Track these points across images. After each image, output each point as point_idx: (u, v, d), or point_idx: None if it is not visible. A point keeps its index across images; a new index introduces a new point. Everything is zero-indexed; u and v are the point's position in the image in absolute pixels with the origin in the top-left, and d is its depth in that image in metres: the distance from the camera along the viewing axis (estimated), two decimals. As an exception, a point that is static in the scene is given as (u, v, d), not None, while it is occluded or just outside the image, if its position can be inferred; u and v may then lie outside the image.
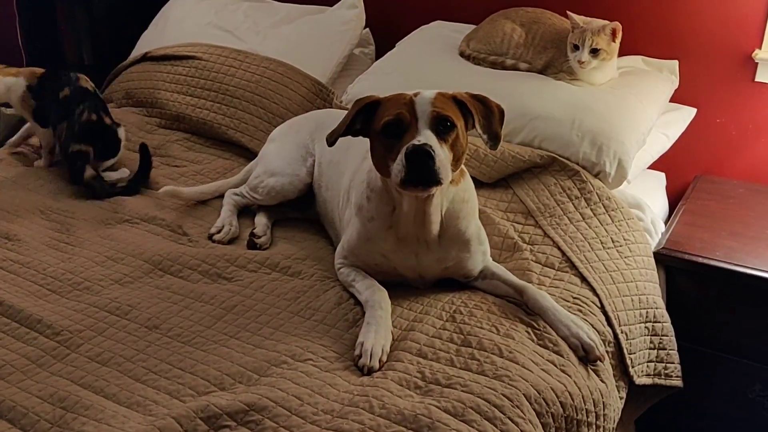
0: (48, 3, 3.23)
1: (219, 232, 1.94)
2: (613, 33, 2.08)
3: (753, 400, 1.99)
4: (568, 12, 2.13)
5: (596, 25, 2.08)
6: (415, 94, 1.49)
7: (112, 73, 2.84)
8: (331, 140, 1.57)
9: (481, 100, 1.55)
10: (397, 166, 1.43)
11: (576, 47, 2.09)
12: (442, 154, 1.44)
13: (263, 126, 2.37)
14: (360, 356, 1.46)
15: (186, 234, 1.97)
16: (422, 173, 1.41)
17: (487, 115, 1.53)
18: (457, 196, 1.62)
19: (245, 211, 2.06)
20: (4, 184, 2.23)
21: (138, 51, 2.86)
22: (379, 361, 1.46)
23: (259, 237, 1.91)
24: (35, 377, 1.44)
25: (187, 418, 1.31)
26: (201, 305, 1.66)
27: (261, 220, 1.98)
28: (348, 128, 1.55)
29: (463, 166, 1.62)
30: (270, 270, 1.79)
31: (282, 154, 2.06)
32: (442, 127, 1.46)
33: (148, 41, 2.88)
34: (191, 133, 2.51)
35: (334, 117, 2.04)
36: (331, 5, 2.74)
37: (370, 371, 1.44)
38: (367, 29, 2.77)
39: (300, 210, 2.06)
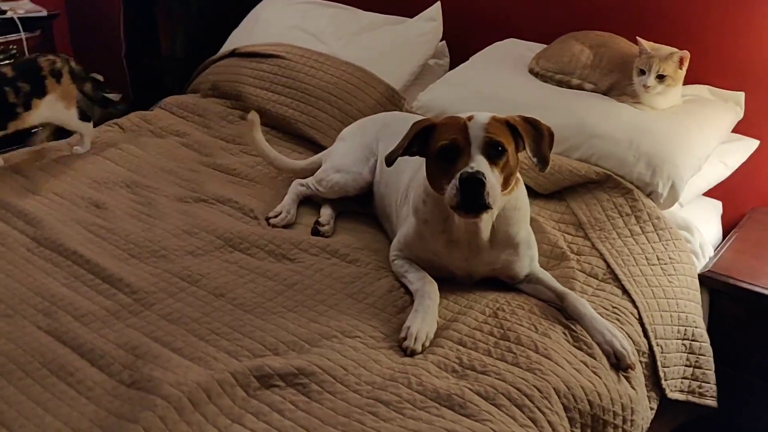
0: (150, -1, 3.49)
1: (276, 216, 2.08)
2: (681, 61, 2.13)
3: (788, 429, 2.01)
4: (638, 38, 2.19)
5: (664, 51, 2.14)
6: (470, 118, 1.59)
7: (201, 66, 3.03)
8: (390, 160, 1.69)
9: (533, 124, 1.64)
10: (451, 190, 1.55)
11: (642, 72, 2.15)
12: (493, 179, 1.54)
13: (336, 125, 2.51)
14: (405, 338, 1.57)
15: (256, 217, 2.12)
16: (474, 198, 1.52)
17: (537, 138, 1.62)
18: (509, 204, 1.71)
19: (310, 202, 2.19)
20: (96, 159, 2.44)
21: (227, 47, 3.05)
22: (423, 345, 1.56)
23: (323, 225, 2.05)
24: (113, 327, 1.62)
25: (243, 374, 1.45)
26: (264, 280, 1.80)
27: (326, 211, 2.12)
28: (405, 150, 1.66)
29: (518, 174, 1.73)
30: (330, 255, 1.92)
31: (348, 153, 2.20)
32: (493, 151, 1.56)
33: (237, 38, 3.06)
34: (270, 126, 2.66)
35: (399, 119, 2.18)
36: (412, 17, 2.87)
37: (413, 353, 1.55)
38: (444, 42, 2.89)
39: (362, 205, 2.19)
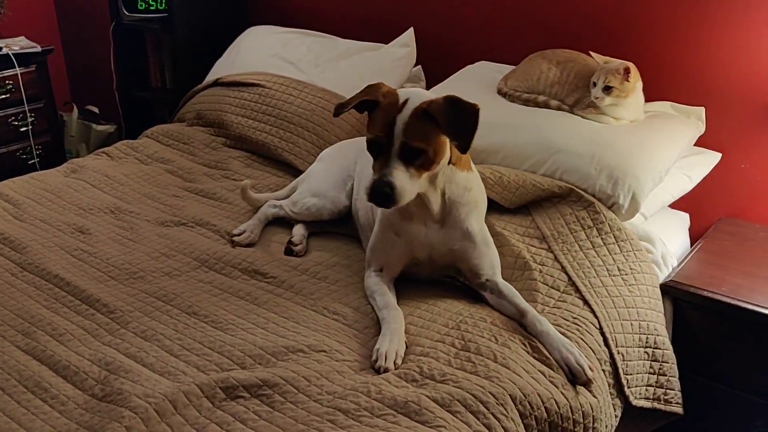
0: (139, 33, 3.61)
1: (240, 234, 2.16)
2: (626, 72, 2.21)
3: (754, 434, 2.05)
4: (591, 52, 2.28)
5: (612, 65, 2.23)
6: (401, 107, 1.68)
7: (186, 96, 3.12)
8: (336, 113, 1.82)
9: (455, 105, 1.68)
10: (366, 187, 1.70)
11: (594, 84, 2.24)
12: (405, 181, 1.67)
13: (313, 150, 2.60)
14: (376, 360, 1.61)
15: (233, 239, 2.20)
16: (382, 201, 1.68)
17: (457, 121, 1.66)
18: (460, 182, 1.83)
19: (283, 221, 2.27)
20: (83, 186, 2.53)
21: (211, 76, 3.15)
22: (394, 363, 1.60)
23: (296, 245, 2.11)
24: (89, 345, 1.69)
25: (209, 386, 1.51)
26: (237, 299, 1.86)
27: (299, 231, 2.18)
28: (354, 107, 1.78)
29: (473, 166, 1.89)
30: (301, 273, 1.98)
31: (326, 176, 2.27)
32: (410, 154, 1.67)
33: (221, 68, 3.16)
34: (251, 152, 2.77)
35: None
36: (387, 43, 2.97)
37: (385, 372, 1.59)
38: (419, 67, 2.98)
39: (335, 225, 2.24)
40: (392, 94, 1.74)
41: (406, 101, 1.69)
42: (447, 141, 1.73)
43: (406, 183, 1.67)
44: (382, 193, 1.66)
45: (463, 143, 1.66)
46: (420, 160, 1.68)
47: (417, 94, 1.72)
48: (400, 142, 1.66)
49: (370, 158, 2.13)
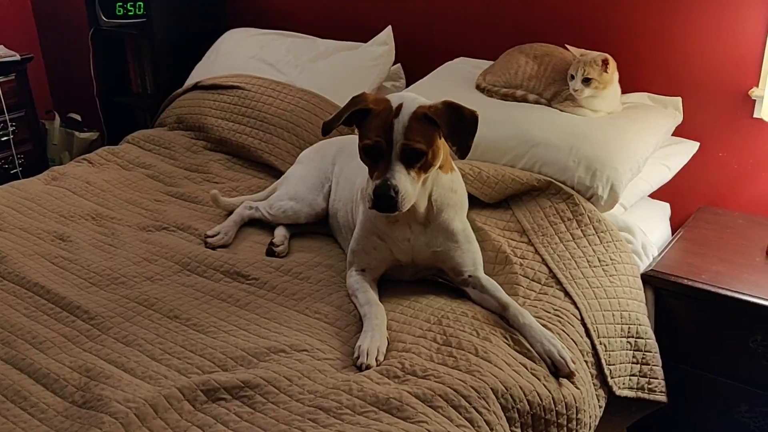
0: (118, 39, 3.59)
1: (214, 236, 2.16)
2: (605, 63, 2.22)
3: (739, 420, 2.06)
4: (567, 45, 2.29)
5: (590, 57, 2.24)
6: (397, 112, 1.67)
7: (167, 100, 3.11)
8: (325, 129, 1.80)
9: (455, 110, 1.69)
10: (369, 194, 1.67)
11: (573, 77, 2.25)
12: (408, 185, 1.66)
13: (294, 150, 2.60)
14: (358, 357, 1.61)
15: (214, 243, 2.20)
16: (386, 206, 1.66)
17: (457, 125, 1.67)
18: (446, 184, 1.82)
19: (263, 223, 2.27)
20: (63, 194, 2.52)
21: (191, 80, 3.14)
22: (376, 360, 1.61)
23: (278, 246, 2.11)
24: (69, 352, 1.68)
25: (190, 389, 1.51)
26: (219, 302, 1.86)
27: (280, 232, 2.18)
28: (342, 122, 1.76)
29: (454, 164, 1.86)
30: (283, 274, 1.98)
31: (304, 179, 2.27)
32: (411, 156, 1.66)
33: (200, 71, 3.16)
34: (231, 155, 2.77)
35: (355, 142, 2.25)
36: (366, 42, 2.97)
37: (367, 368, 1.59)
38: (399, 65, 2.99)
39: (315, 225, 2.24)
40: (383, 101, 1.73)
41: (400, 105, 1.69)
42: (442, 144, 1.73)
43: (409, 185, 1.67)
44: (386, 197, 1.64)
45: (463, 148, 1.67)
46: (420, 161, 1.68)
47: (410, 98, 1.72)
48: (401, 144, 1.65)
49: (347, 159, 2.15)
